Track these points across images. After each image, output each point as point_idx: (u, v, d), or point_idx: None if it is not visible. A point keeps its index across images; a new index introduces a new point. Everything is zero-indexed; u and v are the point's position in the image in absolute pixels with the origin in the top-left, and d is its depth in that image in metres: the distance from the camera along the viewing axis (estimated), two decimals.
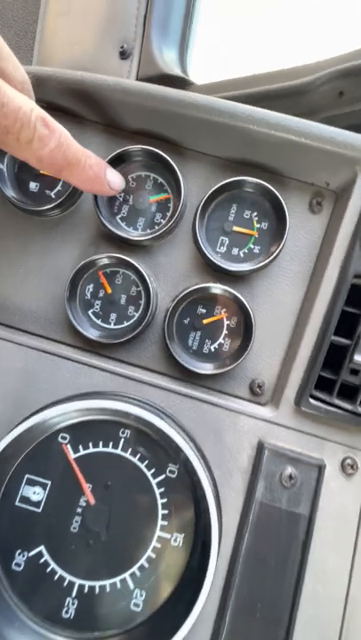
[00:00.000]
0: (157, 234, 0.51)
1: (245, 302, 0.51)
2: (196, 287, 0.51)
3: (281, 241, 0.51)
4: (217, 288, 0.52)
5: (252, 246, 0.54)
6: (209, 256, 0.51)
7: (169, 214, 0.54)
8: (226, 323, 0.55)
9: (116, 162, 0.53)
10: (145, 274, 0.52)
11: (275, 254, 0.50)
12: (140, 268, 0.52)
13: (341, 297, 0.48)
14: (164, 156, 0.51)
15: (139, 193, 0.55)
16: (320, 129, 0.45)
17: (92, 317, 0.56)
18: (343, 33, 0.76)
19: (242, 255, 0.54)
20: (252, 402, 0.53)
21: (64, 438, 0.49)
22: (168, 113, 0.47)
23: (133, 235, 0.53)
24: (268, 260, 0.50)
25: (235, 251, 0.54)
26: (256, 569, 0.46)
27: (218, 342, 0.55)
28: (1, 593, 0.44)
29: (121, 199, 0.56)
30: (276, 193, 0.50)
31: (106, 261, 0.53)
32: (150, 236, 0.51)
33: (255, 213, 0.54)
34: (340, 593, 0.47)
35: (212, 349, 0.55)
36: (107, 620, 0.46)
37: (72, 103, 0.52)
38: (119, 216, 0.56)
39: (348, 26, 0.73)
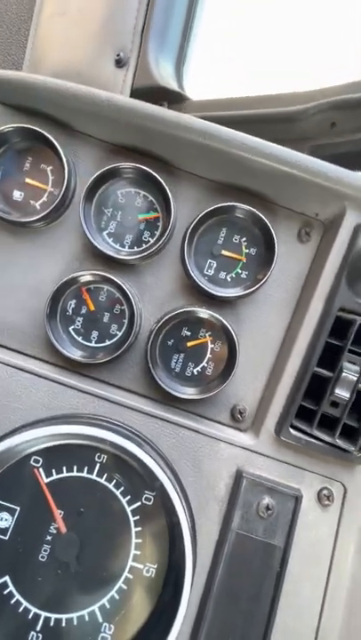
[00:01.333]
0: (145, 254, 0.50)
1: (230, 328, 0.51)
2: (182, 310, 0.50)
3: (269, 268, 0.51)
4: (203, 312, 0.51)
5: (239, 271, 0.54)
6: (196, 280, 0.51)
7: (158, 234, 0.53)
8: (210, 346, 0.55)
9: (106, 177, 0.52)
10: (129, 293, 0.51)
11: (262, 281, 0.50)
12: (124, 288, 0.50)
13: (325, 329, 0.48)
14: (156, 175, 0.50)
15: (127, 210, 0.54)
16: (313, 162, 0.46)
17: (73, 334, 0.54)
18: (339, 63, 0.78)
19: (229, 279, 0.54)
20: (232, 427, 0.53)
21: (37, 462, 0.47)
22: (162, 134, 0.47)
23: (121, 253, 0.52)
24: (255, 287, 0.50)
25: (222, 274, 0.54)
26: (229, 602, 0.46)
27: (201, 366, 0.55)
28: None
29: (109, 214, 0.54)
30: (267, 221, 0.50)
31: (89, 278, 0.52)
32: (138, 256, 0.50)
33: (244, 239, 0.54)
34: (311, 625, 0.47)
35: (195, 372, 0.54)
36: None
37: (63, 114, 0.50)
38: (106, 232, 0.54)
39: (344, 56, 0.75)
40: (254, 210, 0.50)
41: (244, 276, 0.54)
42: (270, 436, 0.50)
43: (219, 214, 0.52)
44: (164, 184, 0.50)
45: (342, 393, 0.45)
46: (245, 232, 0.54)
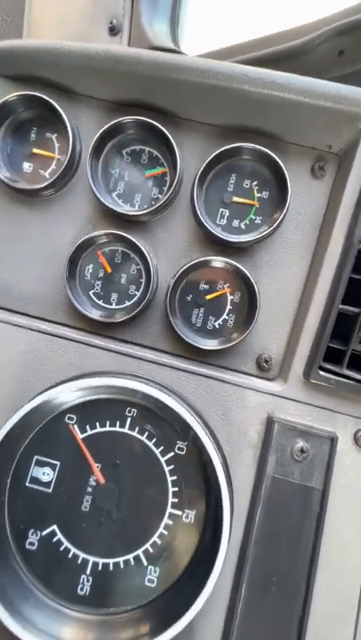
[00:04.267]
0: (154, 208, 0.50)
1: (249, 274, 0.50)
2: (197, 261, 0.50)
3: (283, 209, 0.49)
4: (218, 261, 0.51)
5: (253, 217, 0.53)
6: (209, 228, 0.50)
7: (166, 188, 0.52)
8: (230, 298, 0.54)
9: (109, 136, 0.52)
10: (144, 250, 0.51)
11: (277, 223, 0.48)
12: (139, 245, 0.50)
13: (349, 263, 0.46)
14: (159, 126, 0.49)
15: (134, 168, 0.54)
16: (320, 85, 0.43)
17: (94, 298, 0.55)
18: None
19: (243, 227, 0.53)
20: (259, 377, 0.52)
21: (71, 419, 0.49)
22: (161, 79, 0.46)
23: (131, 210, 0.52)
24: (270, 229, 0.49)
25: (235, 222, 0.53)
26: (270, 543, 0.46)
27: (222, 318, 0.54)
28: (16, 571, 0.45)
29: (116, 175, 0.54)
30: (277, 159, 0.48)
31: (104, 239, 0.52)
32: (147, 211, 0.50)
33: (255, 182, 0.52)
34: (357, 562, 0.47)
35: (217, 326, 0.54)
36: (122, 596, 0.46)
37: (63, 76, 0.50)
38: (115, 193, 0.54)
39: None
40: (262, 148, 0.48)
41: (258, 221, 0.52)
42: (299, 380, 0.49)
43: (226, 159, 0.50)
44: (168, 134, 0.49)
45: None
46: (255, 175, 0.52)
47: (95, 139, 0.50)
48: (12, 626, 0.39)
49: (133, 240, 0.50)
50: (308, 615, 0.44)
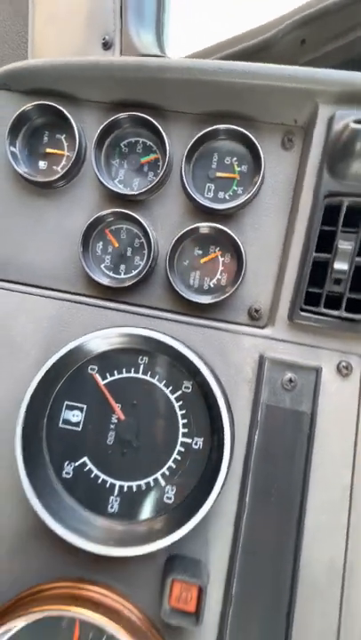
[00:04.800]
0: (150, 187, 0.59)
1: (235, 237, 0.58)
2: (189, 228, 0.59)
3: (259, 178, 0.57)
4: (207, 227, 0.59)
5: (235, 188, 0.61)
6: (198, 200, 0.59)
7: (159, 171, 0.61)
8: (221, 259, 0.62)
9: (108, 132, 0.61)
10: (145, 224, 0.60)
11: (254, 190, 0.57)
12: (140, 220, 0.60)
13: (317, 217, 0.54)
14: (149, 119, 0.59)
15: (131, 157, 0.63)
16: (282, 69, 0.51)
17: (105, 270, 0.64)
18: None
19: (227, 197, 0.61)
20: (251, 326, 0.60)
21: (93, 369, 0.58)
22: (146, 79, 0.55)
23: (131, 192, 0.61)
24: (249, 195, 0.57)
25: (221, 194, 0.61)
26: (268, 461, 0.53)
27: (216, 278, 0.63)
28: (57, 492, 0.54)
29: (117, 165, 0.64)
30: (250, 136, 0.57)
31: (110, 218, 0.62)
32: (144, 190, 0.59)
33: (235, 158, 0.61)
34: (345, 478, 0.53)
35: (212, 285, 0.62)
36: (145, 510, 0.54)
37: (66, 86, 0.60)
38: (117, 179, 0.64)
39: None
40: (237, 128, 0.56)
41: (240, 191, 0.61)
42: (285, 323, 0.57)
43: (208, 140, 0.60)
44: (157, 125, 0.58)
45: (341, 266, 0.51)
46: (234, 152, 0.61)
47: (96, 135, 0.60)
48: (57, 529, 0.48)
49: (135, 216, 0.60)
50: (304, 520, 0.51)
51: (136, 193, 0.60)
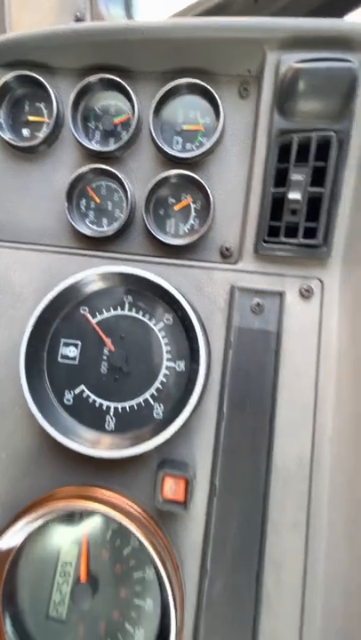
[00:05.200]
0: (123, 143, 0.65)
1: (202, 182, 0.64)
2: (161, 177, 0.65)
3: (219, 127, 0.63)
4: (177, 174, 0.65)
5: (201, 139, 0.67)
6: (168, 151, 0.65)
7: (131, 128, 0.67)
8: (193, 206, 0.69)
9: (82, 95, 0.67)
10: (121, 177, 0.66)
11: (216, 137, 0.63)
12: (116, 173, 0.66)
13: (273, 155, 0.60)
14: (116, 78, 0.65)
15: (105, 118, 0.69)
16: (228, 20, 0.57)
17: (89, 224, 0.71)
18: None
19: (194, 148, 0.67)
20: (223, 263, 0.67)
21: (84, 310, 0.65)
22: (110, 42, 0.61)
23: (107, 149, 0.67)
24: (212, 144, 0.63)
25: (188, 146, 0.67)
26: (241, 376, 0.60)
27: (190, 223, 0.69)
28: (62, 416, 0.61)
29: (93, 127, 0.70)
30: (209, 88, 0.63)
31: (91, 175, 0.68)
32: (119, 146, 0.66)
33: (198, 112, 0.67)
34: (309, 386, 0.60)
35: (186, 230, 0.69)
36: (137, 425, 0.61)
37: (43, 56, 0.66)
38: (94, 140, 0.70)
39: None
40: (197, 81, 0.62)
41: (204, 142, 0.67)
42: (252, 256, 0.64)
43: (172, 96, 0.65)
44: (125, 85, 0.64)
45: (295, 196, 0.57)
46: (197, 106, 0.66)
47: (71, 100, 0.66)
48: (62, 439, 0.56)
49: (112, 170, 0.66)
50: (275, 423, 0.58)
51: (111, 149, 0.66)
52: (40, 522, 0.57)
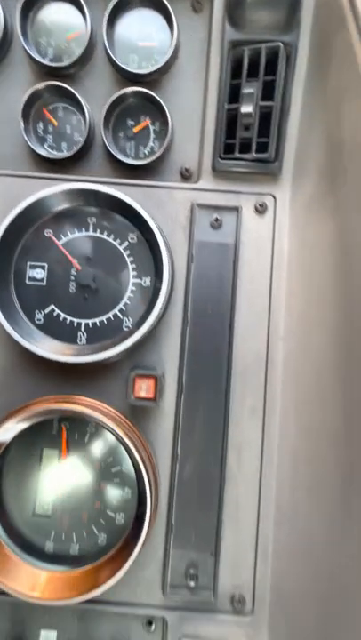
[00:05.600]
0: (76, 57, 0.64)
1: (159, 99, 0.65)
2: (118, 94, 0.65)
3: (173, 39, 0.63)
4: (134, 93, 0.66)
5: (156, 57, 0.67)
6: (123, 67, 0.65)
7: (84, 42, 0.66)
8: (152, 128, 0.70)
9: (31, 5, 0.65)
10: (78, 96, 0.66)
11: (171, 52, 0.64)
12: (72, 91, 0.65)
13: (226, 70, 0.62)
14: None
15: (57, 33, 0.67)
16: None
17: (48, 149, 0.70)
18: None
19: (150, 66, 0.67)
20: (183, 183, 0.69)
21: (48, 232, 0.66)
22: None
23: (61, 64, 0.66)
24: (167, 58, 0.64)
25: (143, 64, 0.67)
26: (203, 286, 0.65)
27: (150, 146, 0.70)
28: (35, 333, 0.64)
29: (45, 43, 0.68)
30: (164, 1, 0.62)
31: (47, 95, 0.67)
32: (73, 61, 0.65)
33: (154, 28, 0.67)
34: (264, 293, 0.66)
35: (147, 152, 0.70)
36: (107, 337, 0.64)
37: None
38: (48, 58, 0.68)
39: None
40: None
41: (160, 60, 0.67)
42: (210, 174, 0.67)
43: (124, 9, 0.65)
44: None
45: (247, 109, 0.59)
46: (151, 21, 0.66)
47: (18, 9, 0.63)
48: (38, 350, 0.59)
49: (68, 88, 0.65)
50: (234, 325, 0.64)
51: (65, 64, 0.65)
52: (25, 424, 0.60)
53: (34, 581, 0.59)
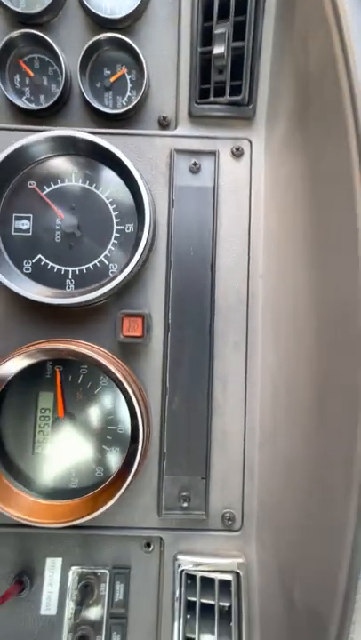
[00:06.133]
0: (47, 5, 0.65)
1: (133, 44, 0.66)
2: (93, 40, 0.66)
3: None
4: (108, 39, 0.67)
5: (130, 4, 0.67)
6: (96, 13, 0.65)
7: None
8: (128, 77, 0.71)
9: None
10: (53, 45, 0.66)
11: None
12: (46, 38, 0.66)
13: (198, 14, 0.63)
14: None
15: None
16: None
17: (26, 102, 0.71)
18: None
19: (124, 14, 0.68)
20: (161, 130, 0.71)
21: (31, 184, 0.68)
22: None
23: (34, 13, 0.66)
24: (138, 5, 0.64)
25: (117, 10, 0.68)
26: (185, 228, 0.68)
27: (127, 95, 0.71)
28: (25, 281, 0.66)
29: None
30: None
31: (22, 44, 0.67)
32: (44, 9, 0.65)
33: None
34: (243, 234, 0.69)
35: (124, 103, 0.71)
36: (94, 282, 0.66)
37: None
38: (19, 7, 0.68)
39: None
40: None
41: (132, 4, 0.68)
42: (187, 121, 0.69)
43: None
44: None
45: (219, 50, 0.61)
46: None
47: None
48: (30, 295, 0.61)
49: (42, 35, 0.66)
50: (215, 265, 0.67)
51: (38, 11, 0.65)
52: (25, 361, 0.62)
53: (37, 509, 0.63)
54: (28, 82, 0.70)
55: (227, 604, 0.62)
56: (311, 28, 0.54)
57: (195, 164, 0.68)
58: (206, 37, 0.64)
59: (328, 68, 0.47)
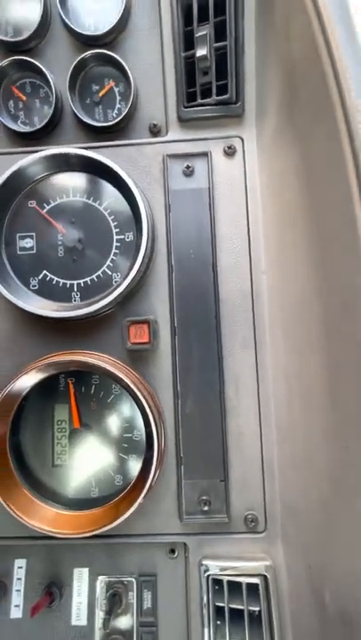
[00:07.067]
0: (34, 31, 0.67)
1: (118, 57, 0.67)
2: (79, 58, 0.67)
3: None
4: (94, 55, 0.68)
5: (110, 18, 0.69)
6: (79, 30, 0.67)
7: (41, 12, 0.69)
8: (116, 90, 0.72)
9: None
10: (42, 68, 0.68)
11: (123, 8, 0.66)
12: (35, 63, 0.68)
13: (178, 19, 0.63)
14: None
15: (12, 9, 0.70)
16: None
17: (22, 126, 0.73)
18: None
19: (107, 28, 0.69)
20: (153, 138, 0.72)
21: (32, 203, 0.70)
22: None
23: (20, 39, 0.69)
24: (120, 15, 0.66)
25: (100, 25, 0.70)
26: (183, 231, 0.68)
27: (117, 108, 0.73)
28: (33, 298, 0.68)
29: (4, 22, 0.70)
30: None
31: (12, 71, 0.70)
32: (32, 32, 0.67)
33: None
34: (242, 234, 0.68)
35: (115, 115, 0.73)
36: (99, 293, 0.68)
37: None
38: (8, 36, 0.71)
39: None
40: None
41: (113, 19, 0.69)
42: (177, 125, 0.69)
43: None
44: None
45: (202, 52, 0.61)
46: None
47: None
48: (37, 310, 0.63)
49: (29, 59, 0.68)
50: (217, 266, 0.67)
51: (26, 37, 0.67)
52: (40, 375, 0.64)
53: (60, 520, 0.64)
54: (21, 106, 0.73)
55: (256, 609, 0.61)
56: (291, 13, 0.54)
57: (188, 167, 0.68)
58: (189, 41, 0.65)
59: (310, 51, 0.46)
